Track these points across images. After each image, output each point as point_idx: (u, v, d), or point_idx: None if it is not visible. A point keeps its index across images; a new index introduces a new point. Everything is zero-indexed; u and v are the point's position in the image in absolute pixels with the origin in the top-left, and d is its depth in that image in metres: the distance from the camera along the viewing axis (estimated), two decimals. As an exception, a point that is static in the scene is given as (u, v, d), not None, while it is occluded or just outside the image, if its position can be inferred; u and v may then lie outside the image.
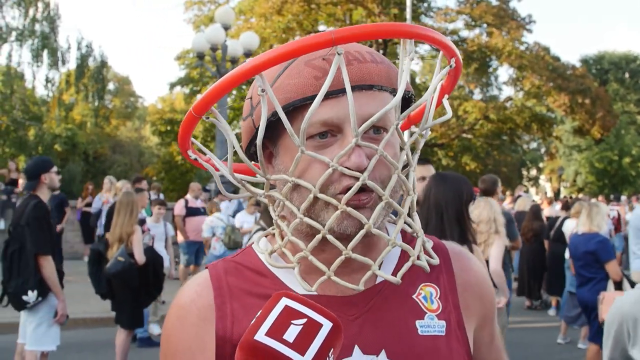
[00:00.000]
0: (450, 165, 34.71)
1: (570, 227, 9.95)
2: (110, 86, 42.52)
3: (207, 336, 1.22)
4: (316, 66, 1.14)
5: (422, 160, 5.19)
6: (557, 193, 44.94)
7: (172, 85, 36.29)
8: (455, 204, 4.32)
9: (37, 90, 35.40)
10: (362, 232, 1.11)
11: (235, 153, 1.16)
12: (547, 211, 13.69)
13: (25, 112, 31.31)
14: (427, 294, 1.28)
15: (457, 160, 36.05)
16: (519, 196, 15.63)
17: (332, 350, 0.98)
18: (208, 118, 1.14)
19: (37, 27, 30.89)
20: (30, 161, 6.02)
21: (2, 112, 29.98)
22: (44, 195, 5.78)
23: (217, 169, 1.26)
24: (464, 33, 31.16)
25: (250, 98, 1.24)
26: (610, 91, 42.24)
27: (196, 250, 12.26)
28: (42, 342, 5.67)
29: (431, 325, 1.24)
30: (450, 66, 1.18)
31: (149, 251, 7.15)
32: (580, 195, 32.58)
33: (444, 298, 1.29)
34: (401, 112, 1.19)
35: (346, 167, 1.10)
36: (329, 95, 1.11)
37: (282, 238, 1.25)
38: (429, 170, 5.21)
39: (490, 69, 34.58)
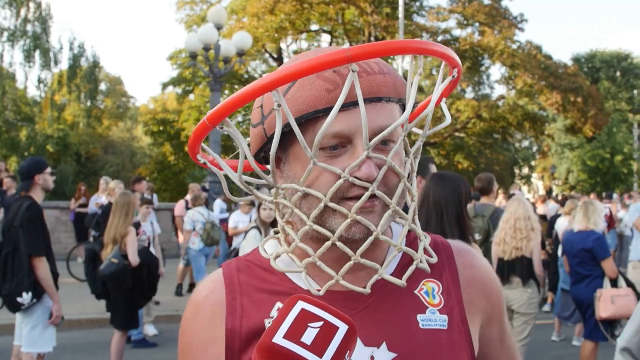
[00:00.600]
0: (443, 164, 34.76)
1: (562, 225, 9.98)
2: (102, 86, 42.42)
3: (218, 330, 1.29)
4: (327, 78, 1.16)
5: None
6: (549, 191, 45.08)
7: (165, 85, 36.28)
8: (454, 203, 4.34)
9: (29, 90, 35.37)
10: (370, 239, 1.16)
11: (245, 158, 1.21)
12: (540, 209, 13.73)
13: (17, 112, 31.21)
14: (429, 289, 1.32)
15: (449, 159, 36.13)
16: (513, 194, 15.66)
17: (348, 353, 0.99)
18: (222, 128, 1.19)
19: (29, 27, 30.82)
20: (24, 162, 5.98)
21: (-6, 113, 29.87)
22: (38, 196, 5.74)
23: (221, 169, 1.30)
24: (456, 32, 31.28)
25: (261, 106, 1.27)
26: (601, 89, 42.38)
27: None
28: (38, 343, 5.64)
29: (432, 319, 1.28)
30: (453, 76, 1.23)
31: (144, 252, 7.13)
32: (573, 193, 32.66)
33: (446, 293, 1.33)
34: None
35: (356, 177, 1.15)
36: (340, 108, 1.13)
37: (288, 242, 1.32)
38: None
39: (483, 68, 34.64)
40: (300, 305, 1.01)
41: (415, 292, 1.30)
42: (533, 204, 12.67)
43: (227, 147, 32.95)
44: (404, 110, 1.23)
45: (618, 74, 49.22)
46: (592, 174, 43.70)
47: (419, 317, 1.27)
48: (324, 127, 1.11)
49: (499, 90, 53.06)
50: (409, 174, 1.26)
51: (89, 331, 9.73)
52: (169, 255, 12.26)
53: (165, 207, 17.31)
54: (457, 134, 33.58)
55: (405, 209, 1.28)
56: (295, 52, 33.03)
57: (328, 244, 1.19)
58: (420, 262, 1.23)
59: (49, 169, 5.82)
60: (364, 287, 1.23)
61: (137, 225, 7.54)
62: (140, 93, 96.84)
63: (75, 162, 33.96)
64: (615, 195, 22.71)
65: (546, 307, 11.83)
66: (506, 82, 32.59)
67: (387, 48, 1.08)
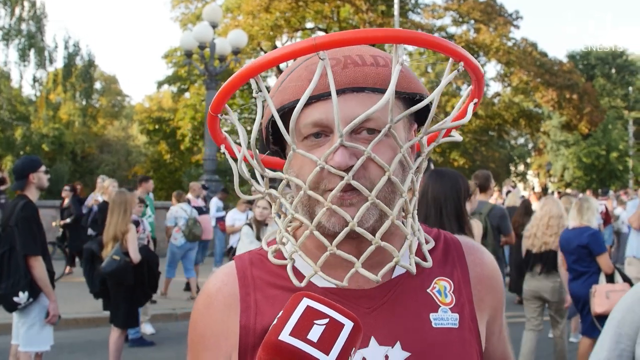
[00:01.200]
0: (439, 161, 34.79)
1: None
2: (97, 85, 42.32)
3: (232, 324, 1.28)
4: (313, 70, 1.16)
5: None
6: (544, 188, 45.16)
7: (160, 84, 36.24)
8: (453, 200, 4.35)
9: (24, 89, 35.33)
10: (346, 230, 1.15)
11: (250, 147, 1.24)
12: (535, 206, 13.71)
13: (12, 112, 31.14)
14: (442, 288, 1.32)
15: (445, 156, 36.16)
16: (509, 191, 15.69)
17: (353, 350, 0.99)
18: (223, 115, 1.25)
19: (24, 26, 30.76)
20: (19, 161, 5.95)
21: (-11, 112, 29.81)
22: (33, 195, 5.72)
23: (236, 156, 1.31)
24: (452, 29, 31.32)
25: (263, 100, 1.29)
26: (597, 86, 42.51)
27: (202, 248, 12.26)
28: (35, 342, 5.62)
29: (445, 318, 1.28)
30: (458, 70, 1.19)
31: (144, 250, 7.14)
32: (568, 190, 32.73)
33: (457, 292, 1.33)
34: (419, 119, 1.25)
35: (332, 166, 1.15)
36: (320, 98, 1.17)
37: (295, 236, 1.33)
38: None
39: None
40: (306, 302, 1.01)
41: (428, 290, 1.30)
42: (528, 201, 12.67)
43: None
44: (412, 104, 1.22)
45: (613, 71, 49.37)
46: (588, 171, 43.82)
47: (432, 315, 1.27)
48: (295, 113, 1.13)
49: (495, 87, 53.09)
50: (409, 178, 1.25)
51: (87, 330, 9.71)
52: (163, 254, 12.23)
53: (161, 206, 17.26)
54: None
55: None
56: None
57: (307, 232, 1.20)
58: (414, 262, 1.23)
59: (43, 168, 5.80)
60: (375, 287, 1.26)
61: (136, 223, 7.54)
62: (136, 92, 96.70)
63: (70, 161, 33.92)
64: (610, 192, 22.77)
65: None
66: (502, 80, 32.67)
67: (354, 37, 1.08)
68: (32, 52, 30.81)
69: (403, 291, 1.29)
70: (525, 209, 11.43)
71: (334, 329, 0.98)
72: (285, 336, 0.96)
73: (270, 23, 28.51)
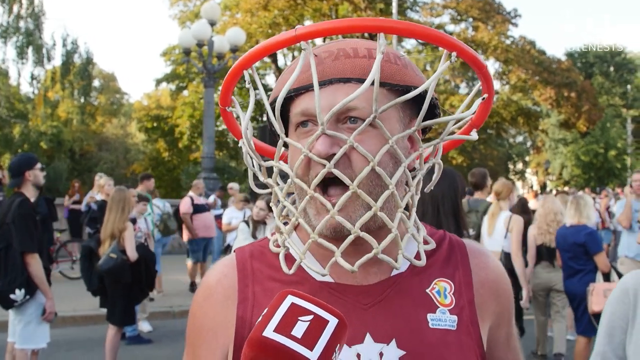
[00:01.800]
0: (437, 159, 34.72)
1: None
2: (96, 83, 42.22)
3: (230, 315, 1.30)
4: (306, 62, 1.17)
5: None
6: (543, 186, 45.17)
7: (158, 82, 36.20)
8: (451, 198, 4.36)
9: (22, 87, 35.28)
10: (326, 218, 1.15)
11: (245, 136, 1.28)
12: (532, 204, 13.72)
13: (10, 109, 31.07)
14: (441, 289, 1.31)
15: (443, 154, 36.12)
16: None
17: (338, 346, 1.00)
18: (228, 107, 1.31)
19: (22, 23, 30.66)
20: (15, 158, 5.97)
21: (-13, 110, 29.78)
22: (29, 192, 5.73)
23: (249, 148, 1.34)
24: (450, 27, 31.30)
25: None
26: (595, 84, 42.51)
27: (205, 246, 12.28)
28: (31, 340, 5.63)
29: (442, 319, 1.27)
30: (451, 61, 1.16)
31: (141, 248, 7.14)
32: (566, 188, 32.72)
33: (458, 294, 1.32)
34: (417, 115, 1.21)
35: (314, 154, 1.16)
36: (309, 88, 1.20)
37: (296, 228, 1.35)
38: None
39: (477, 63, 34.67)
40: (291, 299, 1.02)
41: (427, 291, 1.30)
42: (524, 199, 12.68)
43: (221, 144, 32.93)
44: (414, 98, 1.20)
45: (612, 69, 49.36)
46: (586, 169, 43.84)
47: (429, 316, 1.27)
48: (278, 101, 1.16)
49: (494, 85, 53.09)
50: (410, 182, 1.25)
51: (84, 328, 9.72)
52: (164, 252, 12.26)
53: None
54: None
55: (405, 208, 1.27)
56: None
57: (294, 220, 1.22)
58: (401, 257, 1.22)
59: (39, 165, 5.80)
60: (374, 284, 1.27)
61: (133, 221, 7.54)
62: (134, 89, 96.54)
63: (69, 159, 33.85)
64: (609, 190, 22.75)
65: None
66: (500, 78, 32.66)
67: (334, 27, 1.09)
68: (30, 50, 30.71)
69: (401, 289, 1.28)
70: (522, 207, 11.42)
71: (318, 325, 0.98)
72: (269, 332, 0.96)
73: (268, 21, 28.51)
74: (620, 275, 6.79)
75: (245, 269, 1.33)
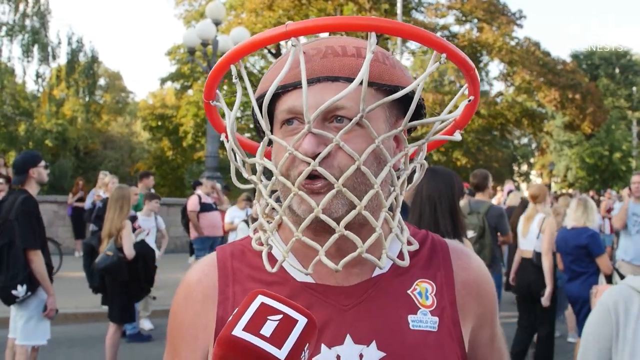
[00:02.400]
0: (441, 160, 34.71)
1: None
2: (102, 81, 42.35)
3: (210, 315, 1.29)
4: (295, 59, 1.16)
5: None
6: (548, 188, 45.00)
7: (163, 81, 36.25)
8: (448, 198, 4.36)
9: (28, 85, 35.17)
10: (311, 216, 1.14)
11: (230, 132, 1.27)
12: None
13: (16, 107, 31.14)
14: (423, 290, 1.30)
15: (447, 155, 36.09)
16: (510, 191, 15.68)
17: (307, 346, 1.01)
18: (213, 102, 1.30)
19: (28, 22, 30.73)
20: (19, 156, 6.00)
21: (-8, 108, 29.85)
22: (33, 189, 5.76)
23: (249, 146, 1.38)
24: (455, 28, 31.30)
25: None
26: (600, 86, 42.41)
27: (210, 246, 12.29)
28: (32, 336, 5.66)
29: (423, 320, 1.27)
30: (441, 62, 1.17)
31: (140, 245, 7.13)
32: (570, 191, 32.67)
33: (439, 295, 1.31)
34: (404, 114, 1.21)
35: (300, 153, 1.15)
36: (296, 85, 1.18)
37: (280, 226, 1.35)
38: None
39: (481, 64, 34.64)
40: (260, 299, 1.02)
41: (409, 292, 1.29)
42: (527, 201, 12.67)
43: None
44: (407, 99, 1.21)
45: (617, 70, 49.24)
46: (591, 172, 43.71)
47: (410, 317, 1.26)
48: (266, 100, 1.15)
49: (498, 87, 53.06)
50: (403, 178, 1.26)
51: (85, 325, 9.74)
52: (167, 250, 12.26)
53: (162, 202, 17.34)
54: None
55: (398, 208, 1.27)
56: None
57: (277, 218, 1.21)
58: (385, 257, 1.20)
59: (43, 163, 5.83)
60: (355, 284, 1.26)
61: (132, 219, 7.55)
62: (140, 88, 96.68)
63: (74, 157, 33.92)
64: (613, 192, 22.70)
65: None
66: (504, 79, 32.63)
67: (325, 24, 1.09)
68: (35, 48, 30.78)
69: (382, 290, 1.27)
70: (524, 209, 11.42)
71: (287, 324, 0.99)
72: (238, 331, 0.97)
73: (273, 21, 28.53)
74: (622, 277, 6.78)
75: (225, 268, 1.32)
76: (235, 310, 1.03)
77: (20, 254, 5.48)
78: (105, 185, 10.85)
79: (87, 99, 34.55)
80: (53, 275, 5.91)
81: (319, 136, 1.15)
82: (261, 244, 1.31)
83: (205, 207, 11.91)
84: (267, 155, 1.32)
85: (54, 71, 32.83)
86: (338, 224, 1.14)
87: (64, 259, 13.73)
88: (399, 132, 1.21)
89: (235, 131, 1.27)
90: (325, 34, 1.15)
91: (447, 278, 1.34)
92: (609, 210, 17.34)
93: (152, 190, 12.15)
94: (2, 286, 5.51)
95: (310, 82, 1.17)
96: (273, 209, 1.27)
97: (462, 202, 8.46)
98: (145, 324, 9.34)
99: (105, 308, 7.45)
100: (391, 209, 1.27)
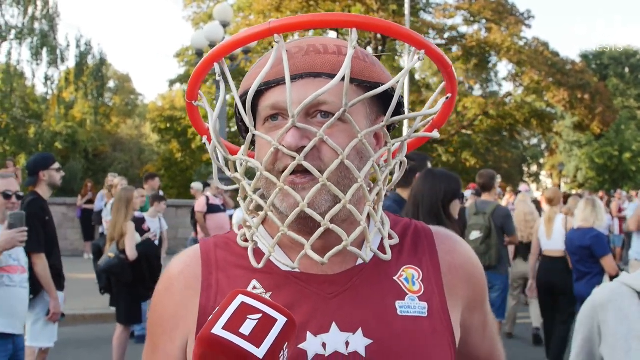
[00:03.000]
0: (451, 161, 34.65)
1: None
2: (111, 84, 42.46)
3: (191, 304, 1.29)
4: (278, 56, 1.18)
5: None
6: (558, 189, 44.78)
7: (172, 83, 36.32)
8: (430, 200, 4.41)
9: (37, 88, 35.36)
10: (296, 211, 1.16)
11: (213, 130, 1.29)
12: (545, 208, 13.65)
13: (25, 110, 31.27)
14: (409, 276, 1.31)
15: (457, 156, 36.00)
16: (519, 191, 15.62)
17: (286, 344, 1.02)
18: (195, 102, 1.32)
19: (37, 25, 30.90)
20: (32, 157, 6.02)
21: (2, 110, 29.94)
22: (44, 191, 5.75)
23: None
24: (463, 29, 31.18)
25: None
26: (610, 86, 42.14)
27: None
28: (39, 338, 5.66)
29: (412, 306, 1.27)
30: (420, 58, 1.18)
31: (143, 245, 7.13)
32: (580, 191, 32.51)
33: (426, 280, 1.32)
34: (387, 110, 1.22)
35: (284, 147, 1.17)
36: (280, 82, 1.20)
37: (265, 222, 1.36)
38: None
39: (490, 65, 34.54)
40: (241, 298, 1.04)
41: (395, 278, 1.30)
42: (538, 202, 12.64)
43: (234, 145, 32.94)
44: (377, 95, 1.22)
45: (627, 70, 48.96)
46: (601, 172, 43.50)
47: (398, 303, 1.26)
48: (249, 96, 1.17)
49: (507, 87, 52.88)
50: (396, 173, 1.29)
51: (93, 326, 9.78)
52: (175, 252, 12.28)
53: (171, 204, 17.38)
54: (464, 131, 33.48)
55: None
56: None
57: (262, 214, 1.23)
58: (368, 250, 1.23)
59: (55, 165, 5.80)
60: (339, 273, 1.27)
61: (141, 221, 7.57)
62: (149, 90, 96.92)
63: (84, 159, 34.00)
64: (623, 193, 22.59)
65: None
66: (513, 79, 32.50)
67: (308, 21, 1.11)
68: (44, 51, 30.94)
69: (367, 278, 1.28)
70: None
71: (266, 323, 1.01)
72: (217, 329, 0.99)
73: (281, 22, 28.53)
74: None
75: (209, 259, 1.33)
76: (216, 310, 1.04)
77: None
78: (115, 187, 10.89)
79: (96, 101, 34.67)
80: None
81: (302, 130, 1.16)
82: (246, 240, 1.32)
83: (212, 209, 11.89)
84: (251, 157, 1.32)
85: (62, 74, 32.97)
86: (323, 218, 1.16)
87: (74, 260, 13.78)
88: (381, 128, 1.23)
89: (218, 129, 1.28)
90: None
91: (433, 263, 1.35)
92: (620, 211, 17.26)
93: (161, 193, 12.20)
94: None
95: (294, 78, 1.18)
96: (257, 206, 1.28)
97: (469, 203, 8.50)
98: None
99: (114, 309, 7.47)
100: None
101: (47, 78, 31.77)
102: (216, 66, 1.21)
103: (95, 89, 33.72)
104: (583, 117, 31.21)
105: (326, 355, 1.20)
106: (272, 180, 1.18)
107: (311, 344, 1.21)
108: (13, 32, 30.53)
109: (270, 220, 1.24)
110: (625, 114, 43.27)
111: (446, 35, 30.83)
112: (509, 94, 33.65)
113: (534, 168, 53.53)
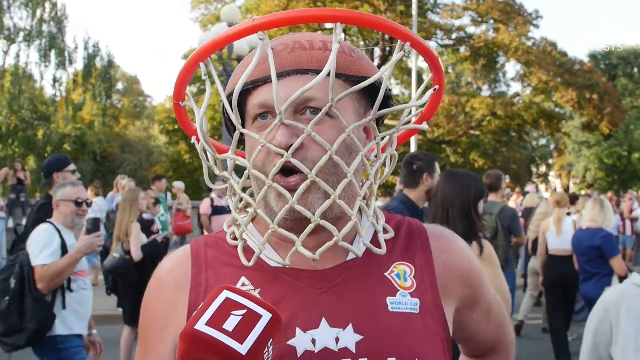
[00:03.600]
0: (459, 162, 34.60)
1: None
2: (119, 86, 42.61)
3: (180, 303, 1.28)
4: (263, 54, 1.18)
5: None
6: (566, 190, 44.75)
7: (180, 84, 36.42)
8: (462, 201, 4.34)
9: (46, 90, 35.55)
10: (286, 208, 1.16)
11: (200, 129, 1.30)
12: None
13: (34, 112, 31.44)
14: (401, 272, 1.30)
15: (465, 157, 35.95)
16: (527, 192, 15.58)
17: (271, 341, 1.01)
18: (182, 102, 1.32)
19: (45, 27, 31.08)
20: (47, 159, 6.02)
21: (11, 112, 30.11)
22: (58, 194, 5.76)
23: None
24: (471, 29, 31.12)
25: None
26: (619, 86, 41.95)
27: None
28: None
29: (403, 302, 1.26)
30: (405, 52, 1.18)
31: (149, 246, 7.10)
32: (589, 192, 32.39)
33: (419, 277, 1.31)
34: (378, 106, 1.21)
35: (274, 145, 1.16)
36: (267, 80, 1.20)
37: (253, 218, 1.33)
38: None
39: (498, 66, 34.46)
40: (225, 294, 1.03)
41: (386, 274, 1.29)
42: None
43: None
44: (364, 89, 1.22)
45: (636, 70, 48.75)
46: (610, 172, 43.35)
47: (389, 299, 1.25)
48: (235, 94, 1.17)
49: (515, 87, 52.75)
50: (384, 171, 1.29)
51: (101, 328, 9.69)
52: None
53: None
54: (472, 132, 33.42)
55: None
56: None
57: (252, 212, 1.23)
58: (362, 245, 1.23)
59: (71, 167, 5.73)
60: (329, 268, 1.26)
61: (151, 222, 7.58)
62: (158, 92, 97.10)
63: (92, 161, 34.16)
64: (634, 194, 22.49)
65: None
66: (521, 80, 32.42)
67: (292, 17, 1.11)
68: (53, 53, 31.14)
69: (358, 274, 1.27)
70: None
71: (250, 319, 1.00)
72: (200, 326, 0.98)
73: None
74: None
75: (199, 257, 1.32)
76: (201, 306, 1.03)
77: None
78: (123, 188, 10.95)
79: (105, 103, 34.81)
80: None
81: (291, 128, 1.16)
82: (236, 239, 1.32)
83: (217, 210, 11.90)
84: (237, 153, 1.33)
85: (71, 76, 33.13)
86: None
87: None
88: (369, 122, 1.23)
89: (205, 128, 1.28)
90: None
91: (426, 261, 1.34)
92: (631, 211, 17.14)
93: (169, 193, 12.23)
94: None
95: (280, 75, 1.18)
96: (247, 205, 1.28)
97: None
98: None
99: (121, 310, 7.48)
100: (365, 198, 1.29)
101: (55, 80, 31.94)
102: (202, 66, 1.20)
103: (103, 90, 33.89)
104: (592, 118, 31.06)
105: (316, 352, 1.19)
106: (261, 178, 1.18)
107: (300, 340, 1.19)
108: (21, 34, 30.72)
109: (260, 218, 1.24)
110: (634, 114, 43.07)
111: (454, 36, 30.79)
112: (517, 95, 33.58)
113: (543, 169, 53.42)
